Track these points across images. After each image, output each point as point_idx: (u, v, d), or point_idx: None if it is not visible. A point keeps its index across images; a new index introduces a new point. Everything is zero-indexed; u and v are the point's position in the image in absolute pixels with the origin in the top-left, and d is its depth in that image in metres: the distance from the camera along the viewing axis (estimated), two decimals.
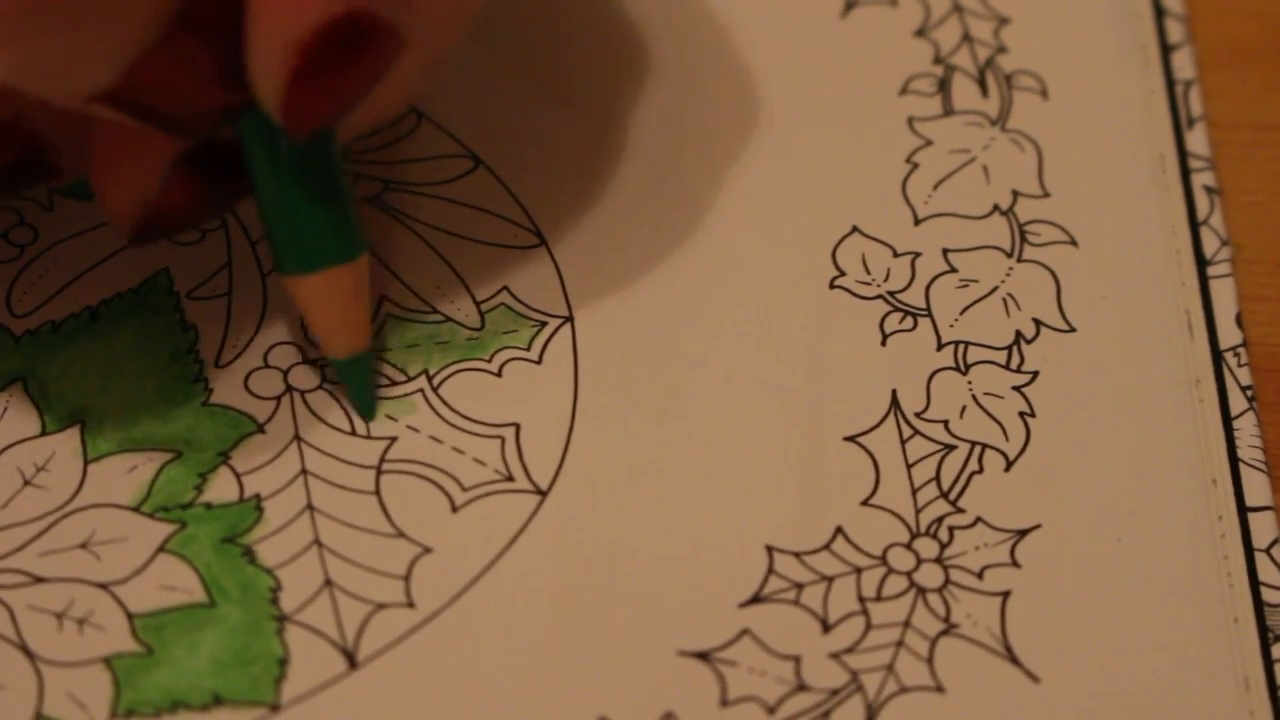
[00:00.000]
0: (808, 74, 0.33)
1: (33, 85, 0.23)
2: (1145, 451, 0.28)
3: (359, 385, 0.28)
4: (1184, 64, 0.34)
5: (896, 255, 0.31)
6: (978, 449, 0.28)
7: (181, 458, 0.27)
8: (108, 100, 0.23)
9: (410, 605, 0.26)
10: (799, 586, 0.27)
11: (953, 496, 0.28)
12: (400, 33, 0.23)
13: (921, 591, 0.27)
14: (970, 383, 0.29)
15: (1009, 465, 0.28)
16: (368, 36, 0.23)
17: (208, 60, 0.23)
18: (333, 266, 0.26)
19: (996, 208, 0.31)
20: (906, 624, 0.26)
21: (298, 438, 0.28)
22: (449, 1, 0.24)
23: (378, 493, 0.27)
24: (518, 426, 0.28)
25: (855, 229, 0.31)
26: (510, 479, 0.27)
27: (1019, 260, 0.31)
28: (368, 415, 0.28)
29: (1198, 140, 0.33)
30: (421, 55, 0.24)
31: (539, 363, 0.29)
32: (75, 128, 0.26)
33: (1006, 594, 0.27)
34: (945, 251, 0.31)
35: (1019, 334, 0.30)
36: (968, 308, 0.30)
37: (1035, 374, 0.29)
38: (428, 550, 0.27)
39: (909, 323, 0.30)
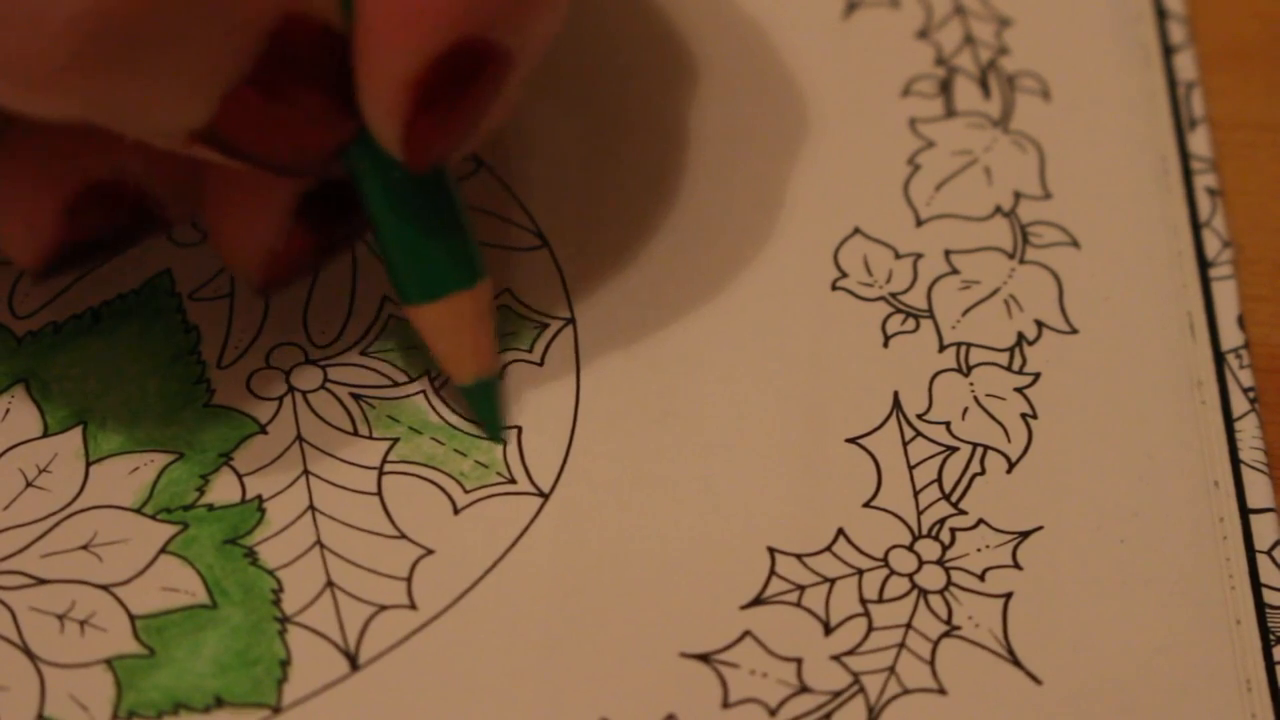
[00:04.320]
0: (809, 75, 0.33)
1: (123, 124, 0.22)
2: (1147, 453, 0.28)
3: (487, 409, 0.28)
4: (1185, 65, 0.34)
5: (898, 257, 0.31)
6: (979, 451, 0.28)
7: (183, 459, 0.27)
8: (206, 140, 0.23)
9: (412, 607, 0.26)
10: (801, 588, 0.27)
11: (954, 498, 0.28)
12: (510, 53, 0.23)
13: (923, 593, 0.27)
14: (972, 384, 0.29)
15: (1011, 467, 0.28)
16: (481, 62, 0.23)
17: (306, 98, 0.23)
18: (454, 293, 0.26)
19: (998, 209, 0.31)
20: (908, 626, 0.26)
21: (300, 439, 0.28)
22: (547, 15, 0.24)
23: (380, 494, 0.27)
24: (520, 428, 0.28)
25: (857, 230, 0.31)
26: (512, 481, 0.27)
27: (1021, 262, 0.31)
28: (497, 439, 0.28)
29: (1199, 142, 0.33)
30: (525, 69, 0.24)
31: (541, 364, 0.29)
32: (182, 177, 0.25)
33: (1008, 596, 0.27)
34: (947, 253, 0.31)
35: (1021, 335, 0.30)
36: (970, 309, 0.30)
37: (1037, 375, 0.29)
38: (430, 552, 0.27)
39: (911, 324, 0.30)
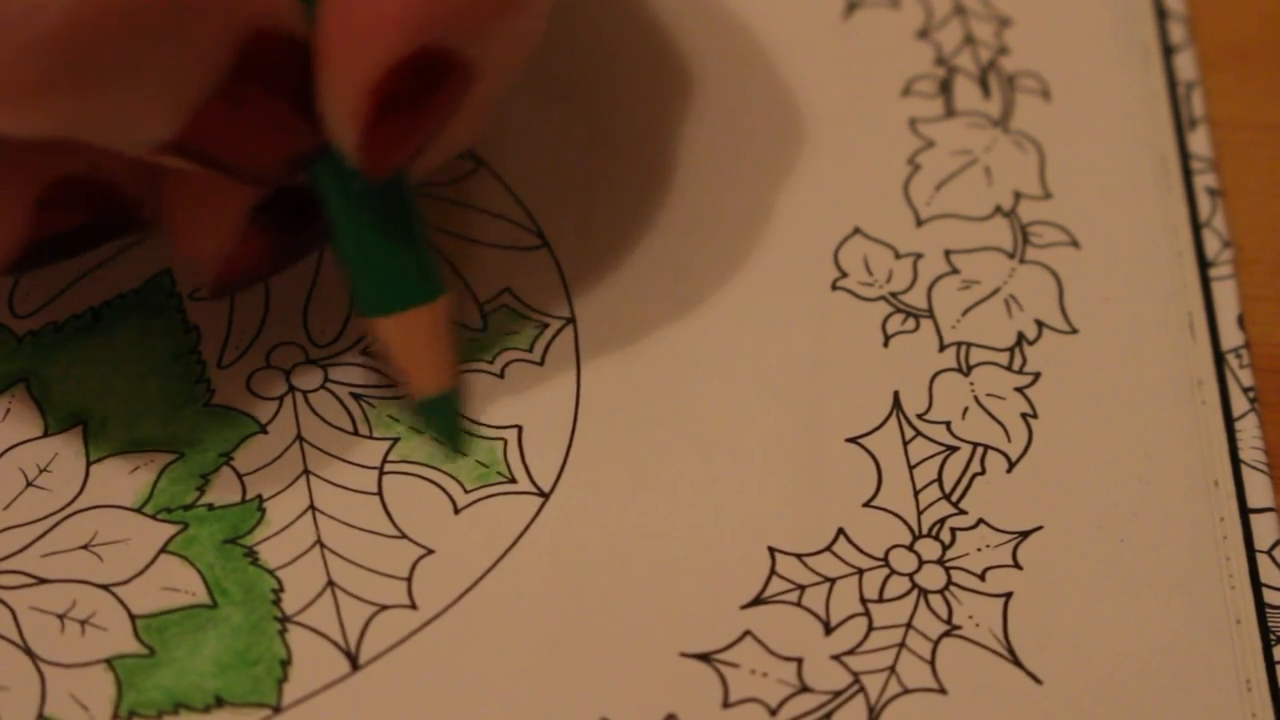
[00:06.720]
0: (810, 75, 0.33)
1: (94, 136, 0.22)
2: (1147, 453, 0.28)
3: (447, 423, 0.28)
4: (1186, 65, 0.34)
5: (898, 256, 0.31)
6: (980, 450, 0.28)
7: (184, 459, 0.27)
8: (175, 151, 0.23)
9: (412, 607, 0.26)
10: (801, 588, 0.27)
11: (955, 498, 0.28)
12: (472, 65, 0.23)
13: (923, 593, 0.27)
14: (972, 384, 0.29)
15: (1011, 467, 0.28)
16: (441, 71, 0.23)
17: (274, 109, 0.23)
18: (413, 307, 0.26)
19: (998, 209, 0.31)
20: (908, 625, 0.26)
21: (300, 438, 0.28)
22: (516, 30, 0.24)
23: (380, 494, 0.27)
24: (520, 428, 0.28)
25: (857, 230, 0.31)
26: (512, 481, 0.27)
27: (1021, 261, 0.31)
28: (457, 451, 0.28)
29: (1199, 142, 0.33)
30: (491, 86, 0.24)
31: (541, 364, 0.29)
32: (155, 179, 0.25)
33: (1008, 595, 0.27)
34: (947, 253, 0.31)
35: (1021, 335, 0.30)
36: (970, 309, 0.30)
37: (1037, 375, 0.29)
38: (430, 551, 0.27)
39: (911, 324, 0.30)
